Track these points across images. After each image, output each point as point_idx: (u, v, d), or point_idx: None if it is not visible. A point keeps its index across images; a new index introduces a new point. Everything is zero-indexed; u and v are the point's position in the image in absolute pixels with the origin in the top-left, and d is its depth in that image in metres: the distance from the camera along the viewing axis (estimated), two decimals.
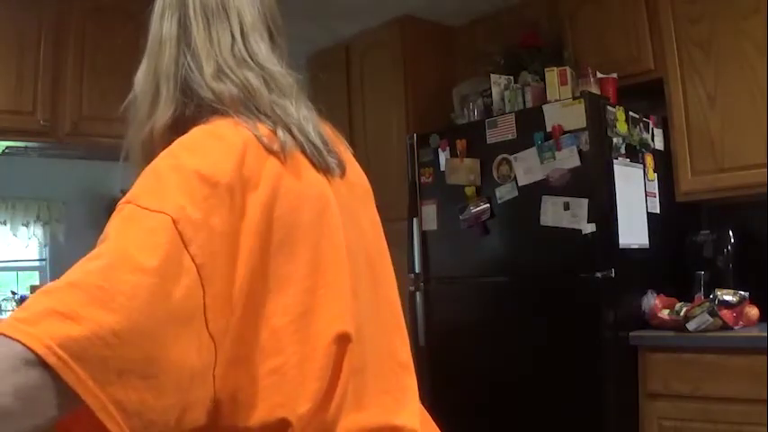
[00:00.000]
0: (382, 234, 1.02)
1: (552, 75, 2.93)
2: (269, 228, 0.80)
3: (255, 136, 0.84)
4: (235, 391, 0.75)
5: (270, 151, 0.83)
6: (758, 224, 2.74)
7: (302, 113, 0.90)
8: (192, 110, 0.88)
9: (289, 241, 0.81)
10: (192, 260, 0.71)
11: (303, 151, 0.87)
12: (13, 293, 3.88)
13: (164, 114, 0.90)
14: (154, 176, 0.78)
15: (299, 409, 0.76)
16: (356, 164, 1.02)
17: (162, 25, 0.94)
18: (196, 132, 0.84)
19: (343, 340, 0.80)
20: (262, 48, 0.94)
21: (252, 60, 0.92)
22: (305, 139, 0.88)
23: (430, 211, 3.16)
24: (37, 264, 4.36)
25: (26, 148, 3.06)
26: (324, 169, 0.89)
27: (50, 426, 0.64)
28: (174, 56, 0.91)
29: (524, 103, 3.01)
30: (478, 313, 2.94)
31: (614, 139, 2.65)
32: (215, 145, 0.82)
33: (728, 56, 2.68)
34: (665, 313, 2.58)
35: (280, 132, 0.86)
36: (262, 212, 0.79)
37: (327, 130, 0.97)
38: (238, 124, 0.85)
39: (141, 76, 0.95)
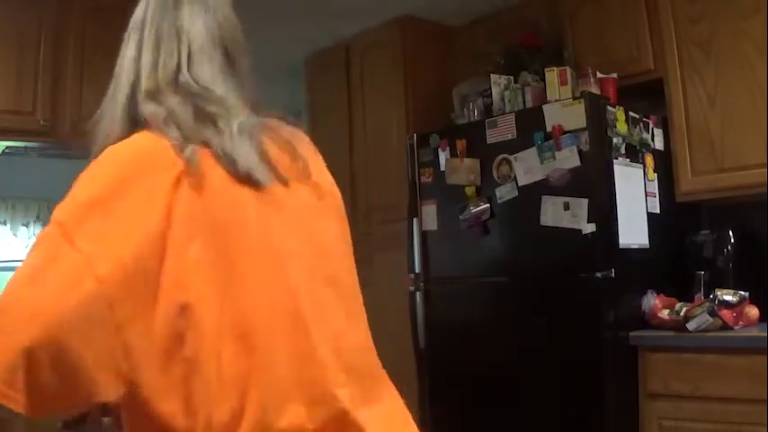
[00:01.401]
0: (350, 249, 1.05)
1: (552, 75, 2.93)
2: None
3: (166, 146, 0.89)
4: None
5: (178, 157, 0.88)
6: (758, 224, 2.74)
7: (235, 130, 0.93)
8: (141, 127, 0.94)
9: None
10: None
11: (221, 164, 0.91)
12: None
13: (113, 132, 0.96)
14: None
15: None
16: (326, 178, 1.05)
17: (125, 48, 1.01)
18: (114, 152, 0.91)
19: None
20: (206, 70, 0.99)
21: (195, 83, 0.97)
22: (223, 153, 0.91)
23: (430, 211, 3.16)
24: None
25: (26, 148, 3.05)
26: (244, 181, 0.91)
27: None
28: (129, 78, 0.99)
29: (524, 103, 3.01)
30: (478, 313, 2.94)
31: (614, 139, 2.65)
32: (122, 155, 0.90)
33: (728, 56, 2.68)
34: (665, 313, 2.58)
35: (188, 147, 0.90)
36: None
37: (288, 143, 0.99)
38: (158, 136, 0.91)
39: (107, 95, 1.02)
